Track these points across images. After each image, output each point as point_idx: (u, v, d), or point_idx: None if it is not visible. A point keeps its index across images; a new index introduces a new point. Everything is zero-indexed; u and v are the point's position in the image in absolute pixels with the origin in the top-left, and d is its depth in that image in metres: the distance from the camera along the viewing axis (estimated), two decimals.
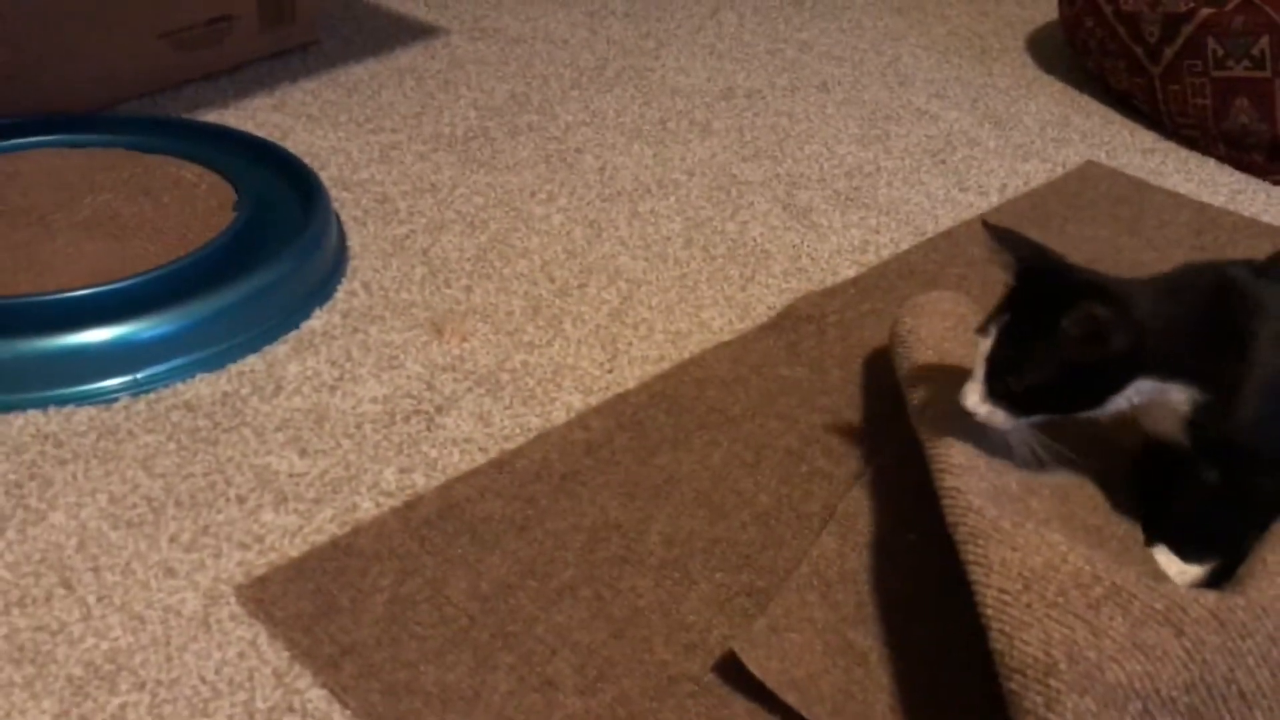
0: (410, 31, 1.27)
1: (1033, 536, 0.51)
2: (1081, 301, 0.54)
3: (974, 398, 0.57)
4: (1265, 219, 1.00)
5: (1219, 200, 1.03)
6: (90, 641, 0.55)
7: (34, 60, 0.98)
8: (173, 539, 0.61)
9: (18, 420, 0.68)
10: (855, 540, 0.62)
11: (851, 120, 1.15)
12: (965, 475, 0.56)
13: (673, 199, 0.98)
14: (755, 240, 0.93)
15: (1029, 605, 0.48)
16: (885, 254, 0.92)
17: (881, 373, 0.74)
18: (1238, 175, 1.08)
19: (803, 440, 0.70)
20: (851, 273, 0.89)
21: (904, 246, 0.93)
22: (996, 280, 0.60)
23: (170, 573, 0.59)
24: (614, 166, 1.03)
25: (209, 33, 1.10)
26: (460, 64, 1.20)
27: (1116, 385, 0.56)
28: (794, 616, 0.57)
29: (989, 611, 0.49)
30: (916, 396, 0.64)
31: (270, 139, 0.96)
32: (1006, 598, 0.48)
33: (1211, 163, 1.09)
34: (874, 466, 0.67)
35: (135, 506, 0.63)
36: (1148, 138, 1.14)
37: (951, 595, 0.54)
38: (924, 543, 0.60)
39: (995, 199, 1.01)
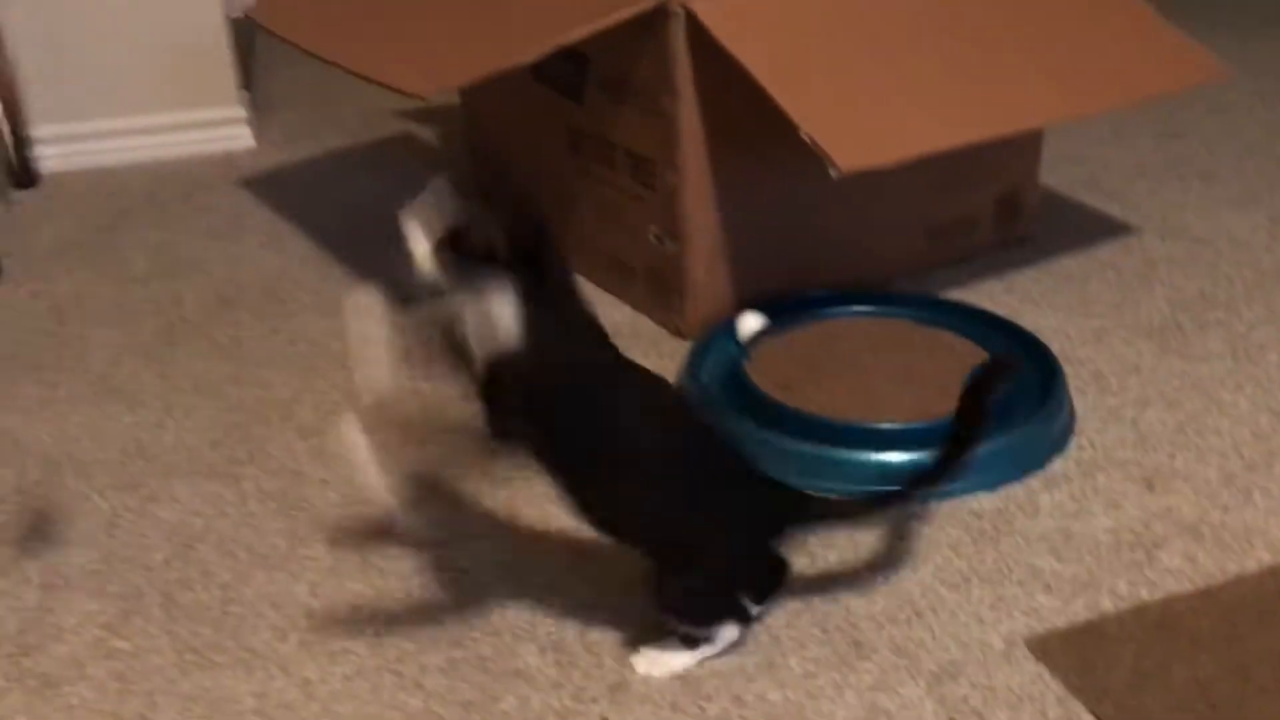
0: (1109, 228, 1.55)
1: None
2: None
3: None
4: None
5: None
6: (925, 658, 0.88)
7: (832, 248, 1.39)
8: (979, 600, 0.93)
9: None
10: None
11: None
12: None
13: None
14: None
15: None
16: None
17: None
18: None
19: None
20: None
21: None
22: None
23: (980, 621, 0.91)
24: None
25: (958, 228, 1.46)
26: (1153, 261, 1.46)
27: None
28: None
29: None
30: None
31: (1008, 318, 1.29)
32: None
33: None
34: None
35: (954, 575, 0.96)
36: None
37: None
38: None
39: None
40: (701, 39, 1.16)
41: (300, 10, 1.47)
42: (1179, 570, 0.95)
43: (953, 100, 1.16)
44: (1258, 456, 1.08)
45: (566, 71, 1.36)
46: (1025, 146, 1.48)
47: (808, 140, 1.06)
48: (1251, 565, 0.95)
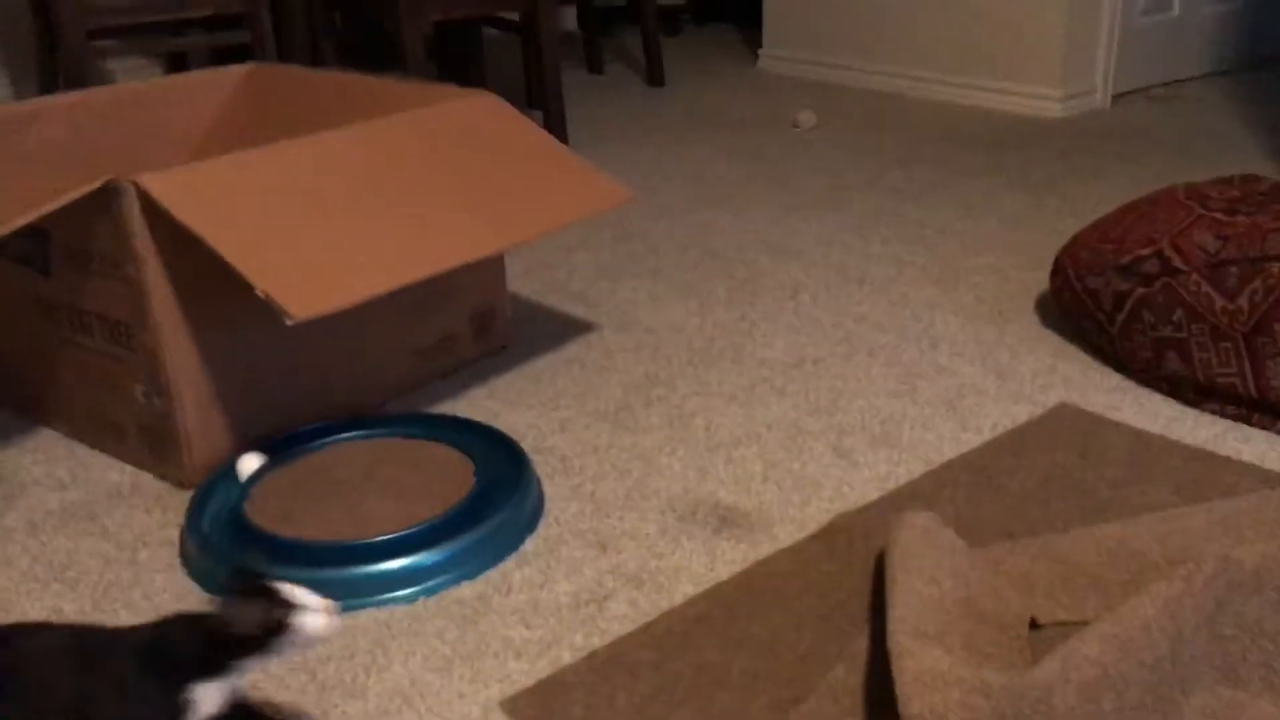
0: (575, 327, 1.79)
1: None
2: None
3: None
4: (1187, 441, 1.39)
5: (1156, 427, 1.42)
6: None
7: (327, 381, 1.51)
8: (460, 677, 1.06)
9: (360, 615, 1.16)
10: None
11: (890, 378, 1.59)
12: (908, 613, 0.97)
13: (755, 448, 1.43)
14: (811, 475, 1.37)
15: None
16: (901, 482, 1.34)
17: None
18: (1175, 407, 1.47)
19: (832, 607, 1.12)
20: (876, 496, 1.31)
21: (916, 476, 1.35)
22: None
23: (460, 696, 1.04)
24: (716, 424, 1.49)
25: (441, 346, 1.63)
26: (610, 352, 1.70)
27: None
28: None
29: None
30: (890, 581, 1.06)
31: (488, 422, 1.46)
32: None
33: (1154, 397, 1.49)
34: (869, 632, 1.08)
35: (439, 659, 1.08)
36: (1112, 380, 1.55)
37: None
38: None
39: (988, 436, 1.43)
40: (156, 207, 1.24)
41: None
42: (624, 615, 1.14)
43: (395, 246, 1.33)
44: (686, 508, 1.32)
45: (29, 247, 1.38)
46: (490, 269, 1.68)
47: (261, 295, 1.17)
48: (678, 599, 1.16)
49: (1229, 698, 0.93)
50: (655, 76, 3.35)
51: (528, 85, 3.09)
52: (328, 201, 1.34)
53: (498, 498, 1.27)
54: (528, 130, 1.60)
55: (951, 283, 1.90)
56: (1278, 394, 1.39)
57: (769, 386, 1.59)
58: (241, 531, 1.24)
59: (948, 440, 1.43)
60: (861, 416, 1.49)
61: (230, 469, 1.34)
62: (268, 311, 1.17)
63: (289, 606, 0.89)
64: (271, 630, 0.88)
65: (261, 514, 1.26)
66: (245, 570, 0.93)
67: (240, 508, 1.27)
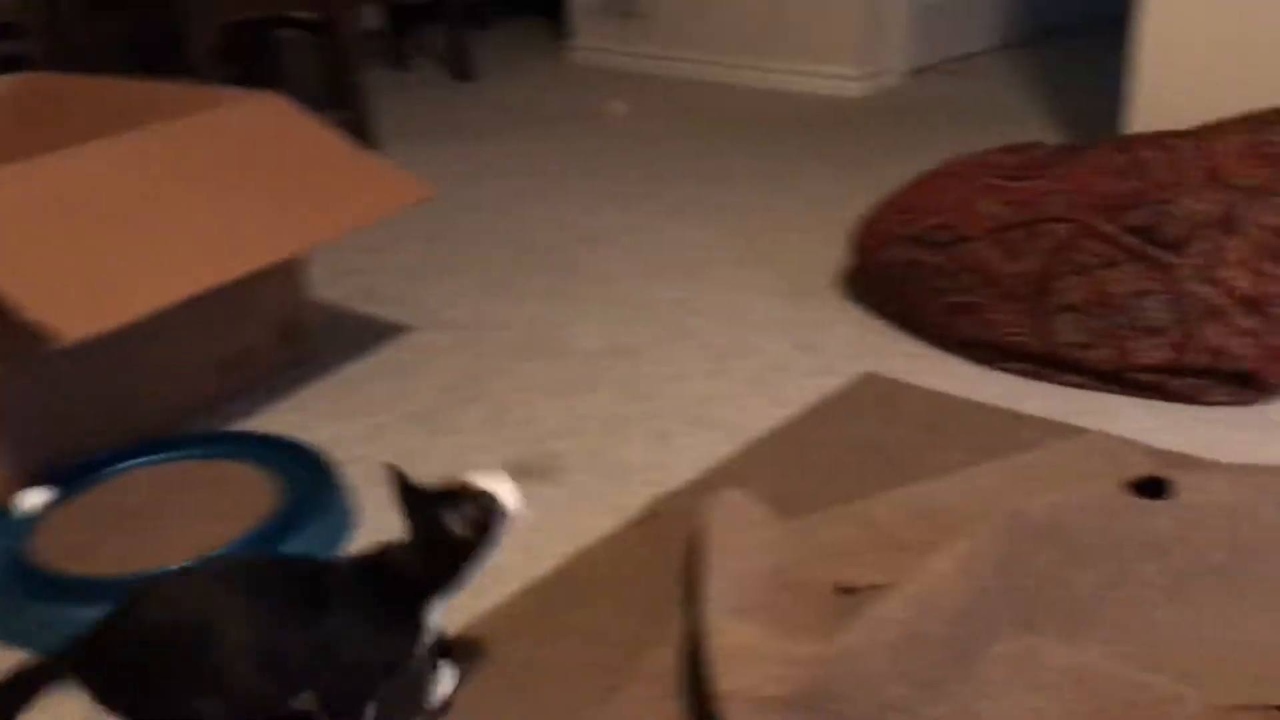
0: (387, 331, 1.74)
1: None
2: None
3: None
4: (978, 398, 1.45)
5: (954, 388, 1.48)
6: None
7: (124, 403, 1.43)
8: None
9: None
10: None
11: (704, 360, 1.61)
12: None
13: (575, 440, 1.42)
14: (629, 460, 1.37)
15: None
16: (716, 462, 1.35)
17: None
18: (972, 368, 1.53)
19: (652, 592, 1.12)
20: (692, 478, 1.32)
21: (730, 454, 1.37)
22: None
23: None
24: (535, 419, 1.48)
25: (245, 358, 1.56)
26: (424, 354, 1.67)
27: None
28: None
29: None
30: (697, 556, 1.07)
31: (294, 435, 1.41)
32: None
33: (952, 360, 1.55)
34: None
35: None
36: (913, 347, 1.60)
37: None
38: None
39: (797, 409, 1.46)
40: None
41: None
42: (446, 618, 1.11)
43: (179, 256, 1.27)
44: None
45: None
46: (291, 276, 1.62)
47: (31, 320, 1.09)
48: (500, 597, 1.14)
49: (1026, 644, 0.96)
50: (463, 72, 3.30)
51: (330, 86, 3.01)
52: (105, 213, 1.26)
53: (304, 514, 1.23)
54: (318, 131, 1.55)
55: (760, 263, 1.93)
56: (1063, 349, 1.46)
57: (587, 377, 1.58)
58: (23, 572, 1.16)
59: (760, 417, 1.45)
60: (677, 401, 1.50)
61: (7, 507, 1.25)
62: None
63: (486, 496, 0.89)
64: (481, 528, 0.88)
65: (48, 551, 1.18)
66: (410, 484, 0.90)
67: (21, 546, 1.19)
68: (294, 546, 1.18)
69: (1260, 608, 1.02)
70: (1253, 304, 1.36)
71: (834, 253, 1.93)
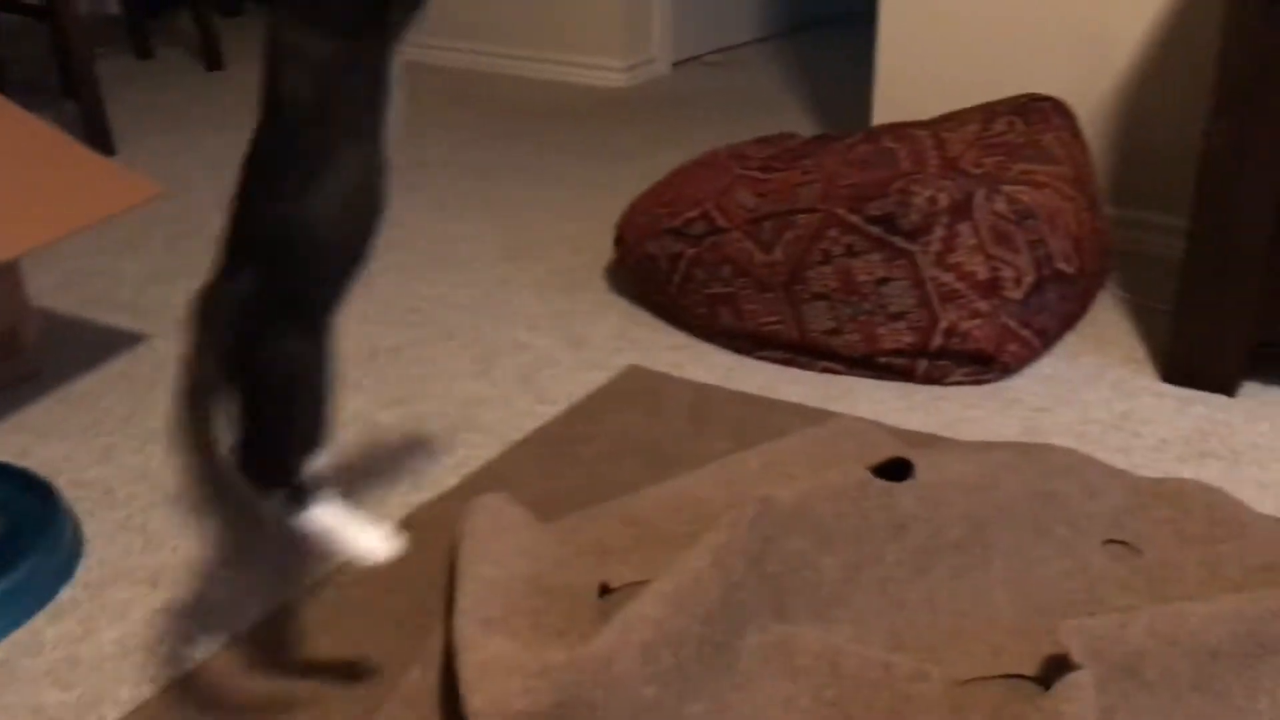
0: (121, 341, 1.61)
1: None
2: None
3: None
4: (739, 388, 1.46)
5: (715, 379, 1.49)
6: None
7: None
8: None
9: None
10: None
11: (467, 359, 1.56)
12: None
13: (333, 448, 1.35)
14: (388, 470, 1.31)
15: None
16: (479, 465, 1.32)
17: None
18: (732, 357, 1.55)
19: (410, 606, 1.08)
20: (454, 483, 1.28)
21: (494, 456, 1.33)
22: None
23: None
24: None
25: None
26: (164, 365, 1.55)
27: None
28: None
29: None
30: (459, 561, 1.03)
31: (12, 459, 1.28)
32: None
33: (714, 350, 1.57)
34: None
35: None
36: (676, 338, 1.61)
37: None
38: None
39: (563, 406, 1.44)
40: None
41: None
42: (180, 657, 1.03)
43: None
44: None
45: None
46: (8, 282, 1.48)
47: None
48: (245, 626, 1.07)
49: (780, 633, 0.97)
50: (212, 60, 3.12)
51: (60, 75, 2.78)
52: None
53: (21, 546, 1.12)
54: (33, 127, 1.42)
55: (527, 257, 1.90)
56: (816, 336, 1.50)
57: (343, 382, 1.51)
58: None
59: (526, 415, 1.42)
60: (439, 403, 1.46)
61: None
62: None
63: None
64: None
65: None
66: None
67: None
68: (6, 585, 1.07)
69: (999, 580, 1.07)
70: (986, 287, 1.43)
71: (601, 245, 1.92)
